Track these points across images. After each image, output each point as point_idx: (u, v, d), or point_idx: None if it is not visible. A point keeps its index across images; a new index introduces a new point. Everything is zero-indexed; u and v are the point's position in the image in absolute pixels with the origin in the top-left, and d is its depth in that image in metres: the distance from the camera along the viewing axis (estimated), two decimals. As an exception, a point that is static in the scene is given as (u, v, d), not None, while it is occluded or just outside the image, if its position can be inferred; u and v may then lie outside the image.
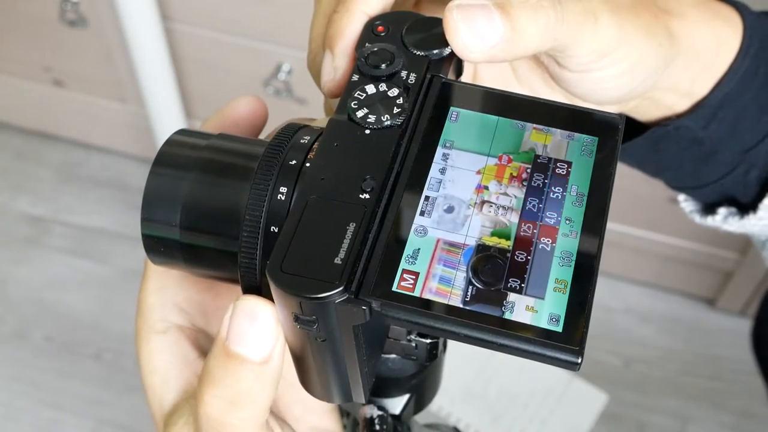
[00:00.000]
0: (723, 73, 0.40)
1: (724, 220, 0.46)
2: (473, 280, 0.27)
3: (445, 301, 0.27)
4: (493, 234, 0.28)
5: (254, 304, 0.29)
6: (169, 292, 0.37)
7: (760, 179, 0.44)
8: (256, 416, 0.31)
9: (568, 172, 0.31)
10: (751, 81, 0.41)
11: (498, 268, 0.26)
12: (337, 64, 0.35)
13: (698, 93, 0.41)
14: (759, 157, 0.43)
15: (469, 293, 0.26)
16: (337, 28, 0.35)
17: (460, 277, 0.27)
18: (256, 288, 0.31)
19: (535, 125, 0.32)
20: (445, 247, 0.27)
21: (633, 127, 0.44)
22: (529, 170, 0.30)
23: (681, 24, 0.38)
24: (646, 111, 0.42)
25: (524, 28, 0.32)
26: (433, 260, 0.27)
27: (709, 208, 0.47)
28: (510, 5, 0.32)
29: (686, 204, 0.48)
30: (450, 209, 0.28)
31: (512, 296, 0.28)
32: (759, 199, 0.44)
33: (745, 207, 0.45)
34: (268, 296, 0.29)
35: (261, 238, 0.31)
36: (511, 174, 0.30)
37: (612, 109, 0.40)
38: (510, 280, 0.28)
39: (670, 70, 0.38)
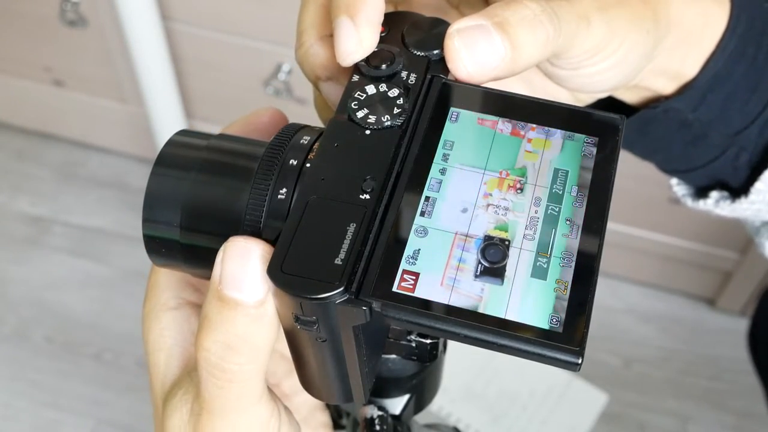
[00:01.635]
0: (710, 52, 0.40)
1: (716, 204, 0.45)
2: (481, 260, 0.29)
3: (446, 298, 0.28)
4: (495, 228, 0.30)
5: (244, 244, 0.29)
6: (182, 273, 0.36)
7: (751, 163, 0.44)
8: (254, 361, 0.30)
9: (569, 173, 0.31)
10: (739, 61, 0.41)
11: (499, 251, 0.29)
12: (363, 35, 0.32)
13: (687, 74, 0.41)
14: (749, 140, 0.43)
15: (478, 270, 0.28)
16: None
17: (471, 258, 0.29)
18: None
19: (532, 130, 0.32)
20: (461, 237, 0.29)
21: (623, 109, 0.43)
22: (522, 182, 0.31)
23: (669, 3, 0.38)
24: (636, 94, 0.42)
25: (524, 45, 0.32)
26: (453, 247, 0.29)
27: (701, 192, 0.47)
28: (508, 24, 0.32)
29: (678, 188, 0.48)
30: (465, 210, 0.30)
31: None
32: (750, 183, 0.44)
33: (737, 191, 0.45)
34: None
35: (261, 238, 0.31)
36: (509, 184, 0.31)
37: (604, 95, 0.40)
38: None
39: (658, 51, 0.38)
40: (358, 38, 0.32)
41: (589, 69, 0.36)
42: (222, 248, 0.29)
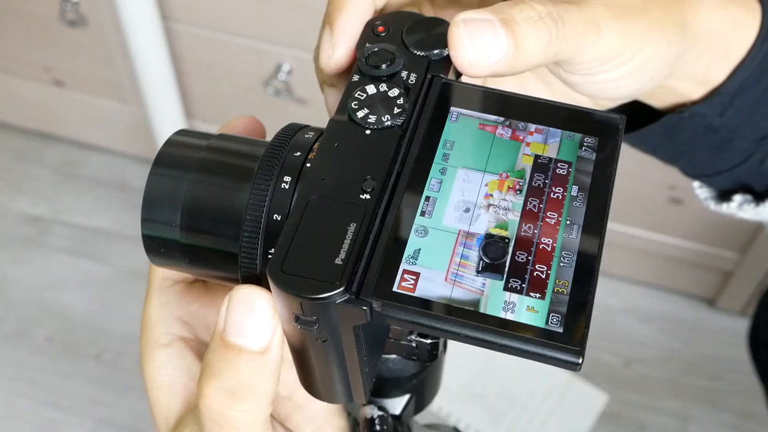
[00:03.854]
0: (740, 60, 0.40)
1: (739, 207, 0.45)
2: (483, 257, 0.29)
3: (449, 293, 0.28)
4: (496, 227, 0.30)
5: (249, 293, 0.29)
6: (171, 307, 0.37)
7: None
8: (258, 408, 0.30)
9: (569, 172, 0.31)
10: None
11: (500, 248, 0.29)
12: (335, 40, 0.35)
13: (714, 80, 0.40)
14: None
15: (480, 265, 0.29)
16: (337, 4, 0.35)
17: (473, 255, 0.29)
18: None
19: (530, 134, 0.32)
20: (464, 235, 0.30)
21: (648, 113, 0.43)
22: (521, 184, 0.31)
23: (696, 12, 0.38)
24: (661, 98, 0.42)
25: (527, 45, 0.32)
26: (456, 244, 0.29)
27: (724, 196, 0.47)
28: (514, 21, 0.32)
29: (701, 191, 0.48)
30: (467, 210, 0.30)
31: (513, 295, 0.28)
32: None
33: (761, 195, 0.45)
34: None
35: (261, 238, 0.31)
36: (509, 186, 0.31)
37: (624, 101, 0.40)
38: (511, 280, 0.28)
39: (684, 59, 0.38)
40: (332, 45, 0.35)
41: (604, 75, 0.36)
42: (227, 297, 0.30)
